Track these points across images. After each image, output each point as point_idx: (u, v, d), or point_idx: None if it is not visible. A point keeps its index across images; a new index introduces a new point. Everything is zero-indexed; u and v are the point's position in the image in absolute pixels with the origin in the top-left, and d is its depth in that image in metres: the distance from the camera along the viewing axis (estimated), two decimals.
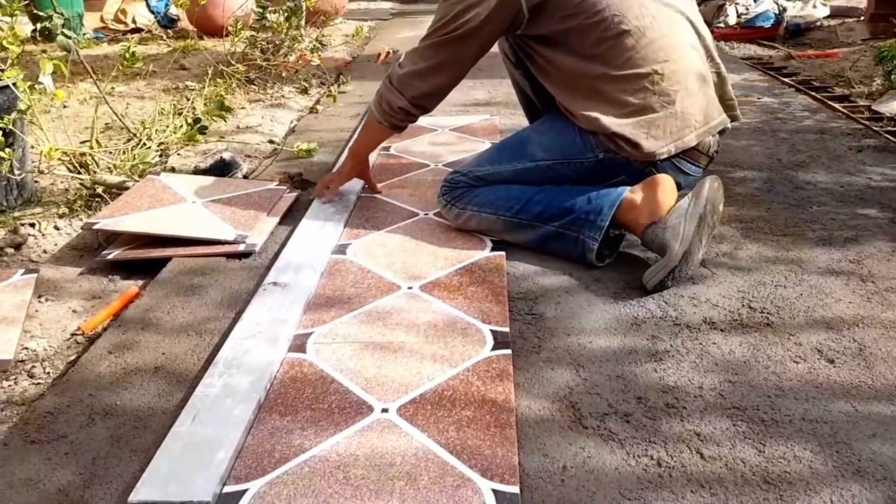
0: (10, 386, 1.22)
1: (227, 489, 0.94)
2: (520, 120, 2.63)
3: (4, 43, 1.70)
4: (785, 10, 4.16)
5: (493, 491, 0.93)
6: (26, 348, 1.32)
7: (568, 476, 0.96)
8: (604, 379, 1.16)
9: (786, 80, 3.16)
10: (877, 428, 1.02)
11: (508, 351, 1.24)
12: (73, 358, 1.30)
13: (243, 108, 2.86)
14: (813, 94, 2.90)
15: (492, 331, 1.30)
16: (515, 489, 0.93)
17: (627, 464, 0.98)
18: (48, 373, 1.26)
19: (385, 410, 1.10)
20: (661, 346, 1.24)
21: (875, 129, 2.41)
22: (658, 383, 1.14)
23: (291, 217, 1.80)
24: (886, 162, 2.10)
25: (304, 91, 3.14)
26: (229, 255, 1.61)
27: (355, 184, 1.94)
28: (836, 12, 4.42)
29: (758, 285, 1.43)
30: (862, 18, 4.28)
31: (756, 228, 1.69)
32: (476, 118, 2.66)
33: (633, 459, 0.98)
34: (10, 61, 1.82)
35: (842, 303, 1.35)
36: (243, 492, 0.93)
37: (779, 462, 0.96)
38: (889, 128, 2.41)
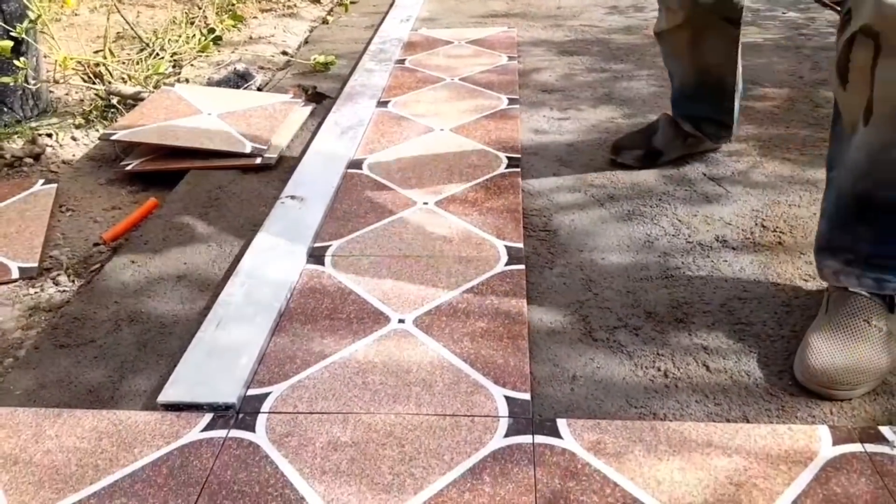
0: (36, 293, 1.26)
1: (251, 392, 0.99)
2: (537, 33, 2.56)
3: None
4: None
5: (506, 397, 0.97)
6: (50, 256, 1.36)
7: (577, 385, 1.00)
8: (614, 294, 1.19)
9: None
10: None
11: (522, 266, 1.26)
12: (96, 266, 1.33)
13: (255, 17, 2.80)
14: (839, 8, 2.79)
15: (506, 246, 1.32)
16: (527, 396, 0.97)
17: (635, 374, 1.01)
18: (73, 280, 1.29)
19: (402, 321, 1.13)
20: (672, 263, 1.26)
21: None
22: (668, 299, 1.17)
23: (307, 130, 1.79)
24: None
25: (317, 0, 3.05)
26: (246, 168, 1.62)
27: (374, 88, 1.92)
28: None
29: (772, 204, 1.43)
30: None
31: (774, 146, 1.68)
32: (493, 30, 2.59)
33: (640, 370, 1.02)
34: None
35: None
36: (267, 394, 0.98)
37: (782, 375, 0.99)
38: None
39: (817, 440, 0.87)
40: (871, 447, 0.86)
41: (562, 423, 0.92)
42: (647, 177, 1.56)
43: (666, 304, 1.16)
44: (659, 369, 1.02)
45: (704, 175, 1.57)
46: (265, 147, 1.65)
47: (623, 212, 1.44)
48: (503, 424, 0.92)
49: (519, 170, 1.60)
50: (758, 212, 1.41)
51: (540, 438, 0.90)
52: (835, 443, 0.87)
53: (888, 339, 0.98)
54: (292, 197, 1.45)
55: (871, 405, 0.94)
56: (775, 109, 1.89)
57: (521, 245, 1.32)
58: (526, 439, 0.90)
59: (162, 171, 1.61)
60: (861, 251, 1.01)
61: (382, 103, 1.97)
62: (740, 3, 1.39)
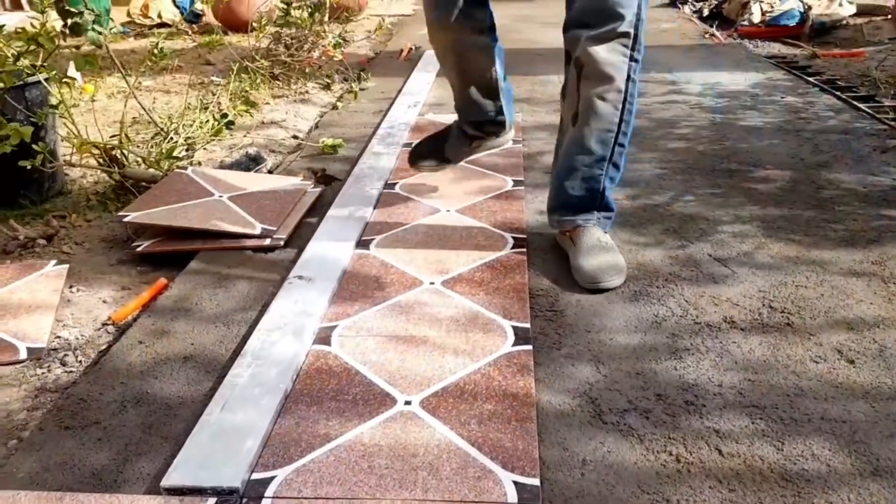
0: (43, 373, 1.26)
1: (256, 476, 0.97)
2: (541, 117, 2.64)
3: (40, 40, 1.74)
4: (810, 7, 4.12)
5: (514, 483, 0.95)
6: (59, 337, 1.36)
7: (587, 470, 0.98)
8: (623, 376, 1.18)
9: (810, 79, 3.13)
10: (895, 427, 1.02)
11: (529, 346, 1.26)
12: (104, 347, 1.34)
13: (267, 103, 2.90)
14: (837, 93, 2.88)
15: (513, 326, 1.32)
16: (536, 481, 0.95)
17: (646, 459, 0.99)
18: (80, 361, 1.29)
19: (408, 403, 1.12)
20: (681, 345, 1.25)
21: None
22: (678, 381, 1.16)
23: (316, 212, 1.83)
24: None
25: (328, 87, 3.17)
26: (255, 249, 1.64)
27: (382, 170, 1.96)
28: (863, 10, 4.37)
29: (779, 285, 1.43)
30: (889, 17, 4.23)
31: (778, 228, 1.69)
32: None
33: (651, 455, 1.00)
34: (41, 58, 1.87)
35: (863, 304, 1.35)
36: (271, 478, 0.96)
37: (797, 460, 0.97)
38: None
39: None
40: None
41: None
42: (653, 257, 1.58)
43: (676, 386, 1.15)
44: (671, 454, 1.00)
45: (710, 256, 1.58)
46: (274, 228, 1.68)
47: (630, 292, 1.44)
48: None
49: (525, 250, 1.62)
50: (765, 293, 1.41)
51: None
52: None
53: (614, 246, 1.52)
54: (300, 277, 1.46)
55: (890, 492, 0.91)
56: (778, 191, 1.93)
57: (528, 325, 1.32)
58: None
59: (172, 252, 1.63)
60: (572, 202, 1.54)
61: (390, 185, 2.01)
62: (485, 18, 1.59)
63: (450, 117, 2.08)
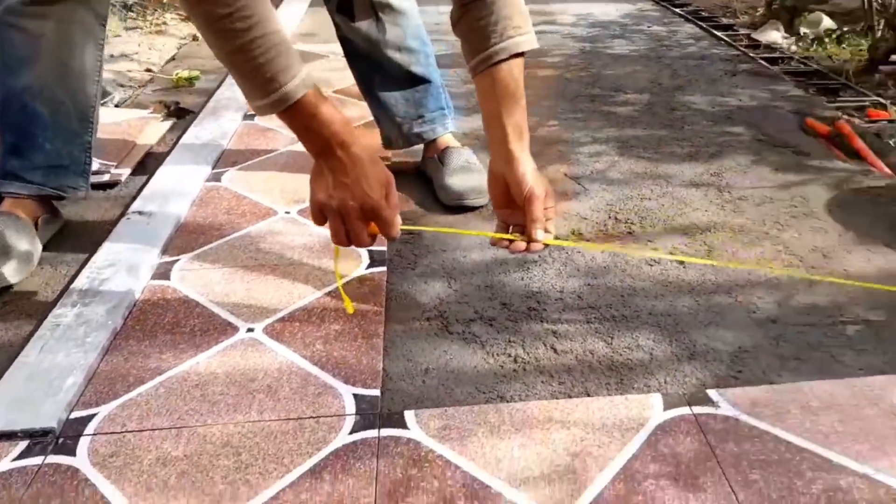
0: None
1: (75, 414, 0.91)
2: None
3: None
4: None
5: (354, 395, 0.94)
6: None
7: (429, 377, 0.98)
8: (473, 289, 1.19)
9: (677, 10, 3.24)
10: (714, 317, 1.09)
11: (384, 268, 1.25)
12: None
13: (118, 35, 2.69)
14: (700, 23, 2.99)
15: (369, 251, 1.30)
16: (376, 392, 0.95)
17: (486, 362, 1.01)
18: None
19: (251, 330, 1.09)
20: (529, 258, 1.27)
21: (751, 55, 2.51)
22: (523, 290, 1.18)
23: (165, 145, 1.72)
24: (756, 85, 2.20)
25: (188, 18, 2.97)
26: (93, 186, 1.52)
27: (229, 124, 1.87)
28: None
29: (625, 199, 1.48)
30: None
31: (631, 147, 1.75)
32: None
33: (491, 358, 1.02)
34: None
35: (698, 211, 1.42)
36: (92, 416, 0.91)
37: (623, 351, 1.02)
38: (763, 54, 2.52)
39: (650, 407, 0.90)
40: (698, 409, 0.89)
41: (409, 415, 0.90)
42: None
43: (521, 294, 1.17)
44: (509, 355, 1.02)
45: (565, 175, 1.61)
46: (114, 163, 1.57)
47: (488, 212, 1.45)
48: (349, 422, 0.90)
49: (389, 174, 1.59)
50: (612, 206, 1.46)
51: (386, 431, 0.88)
52: (666, 408, 0.89)
53: (482, 168, 1.44)
54: (140, 212, 1.37)
55: (701, 372, 0.97)
56: (635, 113, 1.98)
57: (384, 248, 1.31)
58: (372, 434, 0.87)
59: None
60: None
61: (250, 116, 1.92)
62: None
63: (320, 47, 2.00)
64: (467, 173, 1.47)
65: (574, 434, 0.86)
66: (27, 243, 1.22)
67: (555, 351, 1.02)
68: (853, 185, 1.52)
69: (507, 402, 0.93)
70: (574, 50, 2.63)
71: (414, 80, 1.50)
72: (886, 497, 0.77)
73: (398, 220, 0.94)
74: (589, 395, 0.93)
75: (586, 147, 1.76)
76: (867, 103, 2.02)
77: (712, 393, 0.92)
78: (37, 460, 0.84)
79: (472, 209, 1.44)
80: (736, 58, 2.51)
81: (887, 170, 1.60)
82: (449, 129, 1.56)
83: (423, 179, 1.57)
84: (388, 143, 1.59)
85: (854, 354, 1.01)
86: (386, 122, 1.55)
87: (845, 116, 1.90)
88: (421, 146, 1.59)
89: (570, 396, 0.93)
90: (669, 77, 2.30)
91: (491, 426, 0.87)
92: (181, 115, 1.90)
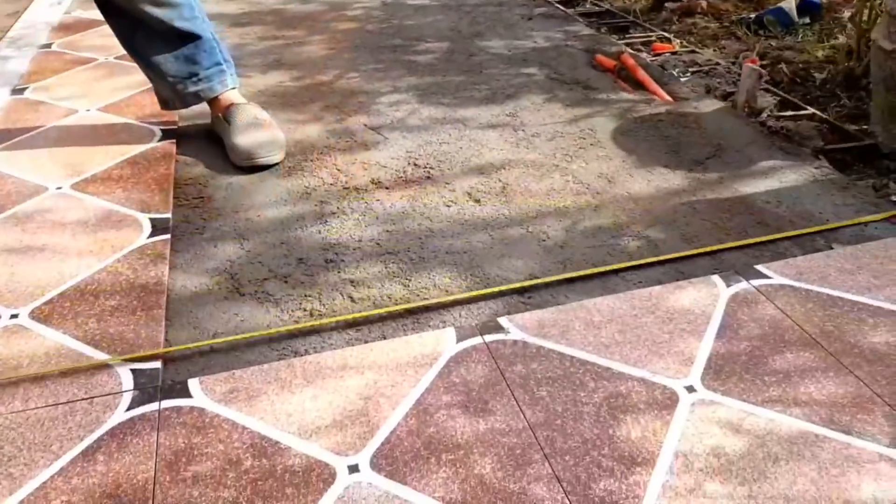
0: None
1: None
2: (209, 7, 2.41)
3: None
4: None
5: (132, 371, 0.87)
6: None
7: (218, 343, 0.93)
8: (267, 248, 1.14)
9: None
10: (507, 249, 1.13)
11: (167, 236, 1.16)
12: None
13: None
14: None
15: (150, 219, 1.20)
16: (157, 364, 0.88)
17: (280, 319, 0.97)
18: None
19: (15, 316, 0.97)
20: (327, 210, 1.24)
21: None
22: (321, 243, 1.15)
23: None
24: (550, 27, 2.29)
25: None
26: None
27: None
28: None
29: (424, 144, 1.49)
30: None
31: (431, 94, 1.75)
32: None
33: (286, 314, 0.98)
34: None
35: (494, 151, 1.46)
36: None
37: (420, 292, 1.02)
38: None
39: (444, 342, 0.91)
40: (490, 337, 0.92)
41: (193, 383, 0.85)
42: (311, 132, 1.54)
43: (318, 248, 1.14)
44: (305, 310, 0.99)
45: (365, 125, 1.58)
46: None
47: (284, 168, 1.39)
48: (126, 398, 0.83)
49: (175, 141, 1.48)
50: (411, 153, 1.45)
51: (167, 403, 0.82)
52: (458, 340, 0.91)
53: (273, 123, 1.43)
54: None
55: (495, 303, 1.00)
56: (435, 61, 1.99)
57: (168, 215, 1.21)
58: (152, 407, 0.81)
59: None
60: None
61: (19, 90, 1.72)
62: None
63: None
64: (257, 129, 1.39)
65: (367, 378, 0.85)
66: None
67: (352, 300, 1.01)
68: (636, 113, 1.63)
69: (301, 356, 0.90)
70: (376, 2, 2.59)
71: (181, 37, 1.38)
72: (662, 396, 0.84)
73: None
74: (385, 339, 0.92)
75: (386, 97, 1.74)
76: (654, 38, 2.18)
77: (503, 320, 0.95)
78: None
79: (267, 167, 1.38)
80: (532, 2, 2.59)
81: (668, 97, 1.72)
82: (230, 86, 1.46)
83: (214, 141, 1.48)
84: (165, 105, 1.47)
85: (634, 269, 1.09)
86: (159, 83, 1.43)
87: (629, 51, 2.03)
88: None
89: (366, 342, 0.92)
90: (469, 24, 2.33)
91: (282, 382, 0.84)
92: None
